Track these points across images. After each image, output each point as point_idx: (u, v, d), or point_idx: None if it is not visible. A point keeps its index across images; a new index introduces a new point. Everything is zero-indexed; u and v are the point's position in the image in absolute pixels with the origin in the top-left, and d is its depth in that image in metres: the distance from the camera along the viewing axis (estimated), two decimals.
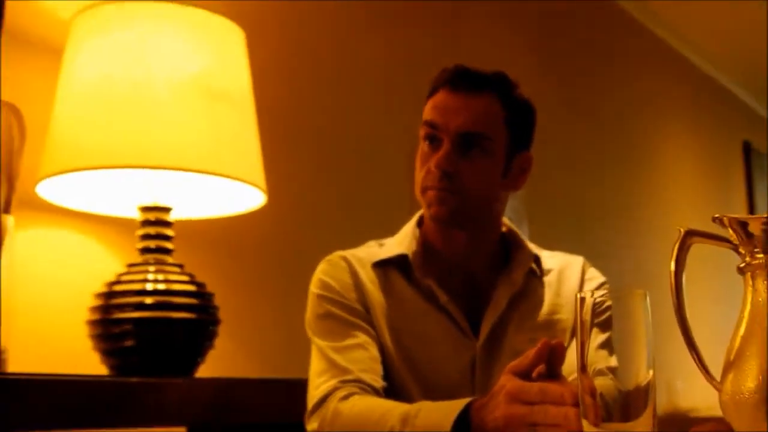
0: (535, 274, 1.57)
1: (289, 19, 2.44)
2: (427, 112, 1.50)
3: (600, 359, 0.97)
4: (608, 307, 0.99)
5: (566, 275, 1.58)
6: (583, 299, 0.94)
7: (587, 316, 0.94)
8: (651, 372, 0.90)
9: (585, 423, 0.92)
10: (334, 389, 1.40)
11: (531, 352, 1.17)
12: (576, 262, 1.61)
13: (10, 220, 1.56)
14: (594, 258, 1.65)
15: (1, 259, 1.53)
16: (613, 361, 0.96)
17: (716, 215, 0.93)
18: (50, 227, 1.87)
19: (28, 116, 1.61)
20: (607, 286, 1.58)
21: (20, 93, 1.72)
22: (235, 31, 1.83)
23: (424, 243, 1.55)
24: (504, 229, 1.60)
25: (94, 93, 1.68)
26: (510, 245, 1.59)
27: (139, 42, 1.70)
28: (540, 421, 1.11)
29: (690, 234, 0.97)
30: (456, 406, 1.23)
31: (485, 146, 1.47)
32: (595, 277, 1.59)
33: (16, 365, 1.56)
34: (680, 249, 0.97)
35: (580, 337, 0.94)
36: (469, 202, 1.47)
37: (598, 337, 0.99)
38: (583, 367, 0.93)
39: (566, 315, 1.53)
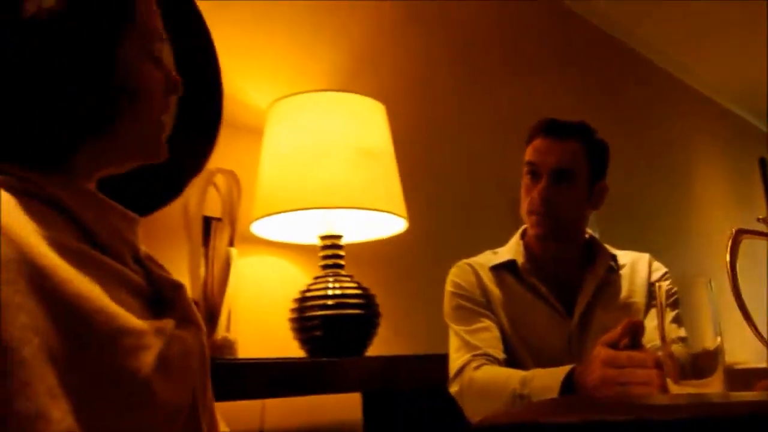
0: (613, 269, 1.54)
1: (416, 90, 2.46)
2: (528, 153, 1.50)
3: (672, 331, 0.95)
4: (675, 292, 0.97)
5: (637, 268, 1.55)
6: (659, 287, 0.92)
7: (663, 299, 0.92)
8: (719, 338, 0.87)
9: (669, 381, 0.90)
10: (469, 361, 1.41)
11: (618, 328, 1.15)
12: (643, 257, 1.57)
13: (233, 251, 1.61)
14: (651, 254, 1.62)
15: (230, 277, 1.60)
16: (683, 332, 0.94)
17: (760, 216, 0.90)
18: (260, 254, 1.93)
19: (241, 177, 1.66)
20: (668, 275, 1.55)
21: (235, 162, 1.79)
22: (378, 106, 1.86)
23: (527, 250, 1.54)
24: (587, 236, 1.58)
25: (286, 158, 1.72)
26: (592, 248, 1.56)
27: (315, 121, 1.75)
28: (630, 380, 1.08)
29: (740, 232, 0.94)
30: (562, 370, 1.23)
31: (573, 179, 1.46)
32: (659, 268, 1.56)
33: (242, 352, 1.60)
34: (734, 243, 0.95)
35: (659, 314, 0.92)
36: (562, 222, 1.47)
37: (669, 315, 0.97)
38: (662, 338, 0.91)
39: (639, 298, 1.49)
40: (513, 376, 1.31)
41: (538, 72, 3.07)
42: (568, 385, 1.21)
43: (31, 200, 0.68)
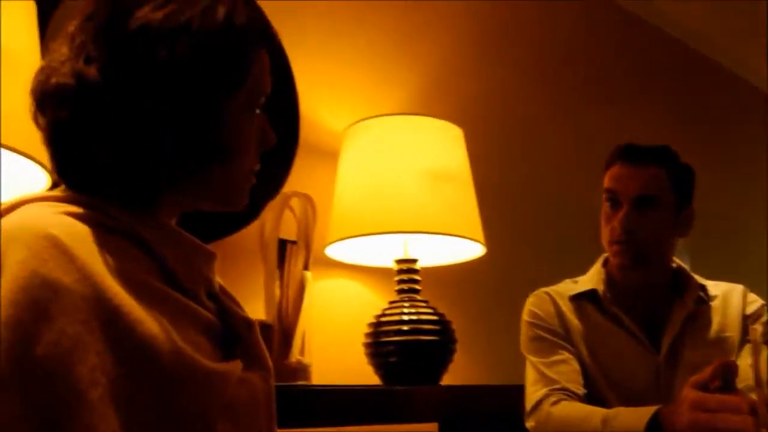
0: (703, 301, 1.46)
1: (493, 113, 2.43)
2: (607, 180, 1.44)
3: None
4: None
5: (730, 300, 1.46)
6: (754, 329, 0.86)
7: (757, 339, 0.86)
8: None
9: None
10: (546, 396, 1.35)
11: (708, 369, 1.07)
12: (737, 288, 1.49)
13: (308, 274, 1.61)
14: (747, 284, 1.53)
15: (304, 301, 1.60)
16: None
17: None
18: (335, 278, 1.93)
19: (317, 200, 1.67)
20: (765, 307, 1.45)
21: (310, 185, 1.80)
22: (455, 129, 1.84)
23: (609, 279, 1.48)
24: (674, 265, 1.51)
25: (362, 181, 1.72)
26: (680, 278, 1.48)
27: (391, 144, 1.74)
28: (722, 427, 1.02)
29: None
30: (647, 411, 1.16)
31: (656, 206, 1.39)
32: (755, 300, 1.47)
33: (316, 376, 1.59)
34: None
35: (754, 357, 0.86)
36: (646, 250, 1.40)
37: (765, 353, 0.91)
38: (757, 381, 0.85)
39: (732, 332, 1.41)
40: (594, 413, 1.26)
41: (621, 92, 2.98)
42: (654, 426, 1.14)
43: (112, 235, 0.69)
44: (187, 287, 0.75)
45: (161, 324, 0.66)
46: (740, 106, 3.90)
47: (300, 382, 1.53)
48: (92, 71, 0.71)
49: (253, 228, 1.70)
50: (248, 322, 0.84)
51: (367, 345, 1.70)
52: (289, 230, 1.65)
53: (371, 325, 1.71)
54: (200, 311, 0.75)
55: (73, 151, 0.74)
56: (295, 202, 1.67)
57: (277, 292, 1.58)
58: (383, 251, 1.83)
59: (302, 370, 1.54)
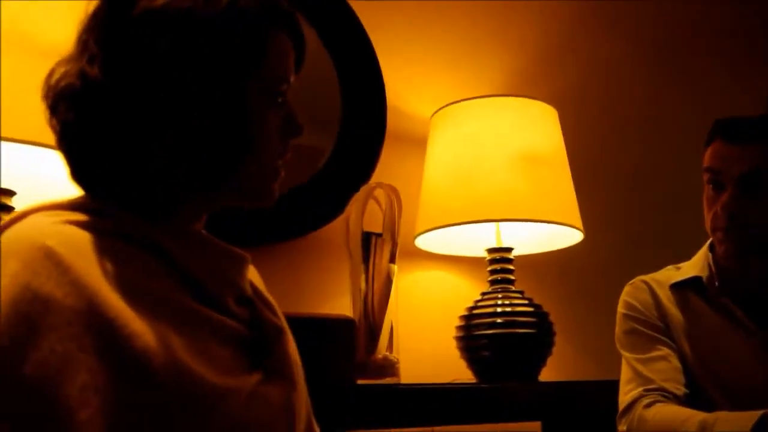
0: None
1: (593, 93, 2.32)
2: (708, 159, 1.31)
3: None
4: None
5: None
6: None
7: None
8: None
9: None
10: (640, 397, 1.26)
11: None
12: None
13: (394, 268, 1.58)
14: None
15: (391, 294, 1.58)
16: None
17: None
18: (425, 269, 1.90)
19: (401, 189, 1.63)
20: None
21: (397, 174, 1.79)
22: (549, 110, 1.76)
23: (717, 266, 1.36)
24: None
25: (451, 168, 1.68)
26: None
27: (480, 128, 1.69)
28: None
29: None
30: (753, 415, 1.06)
31: (764, 186, 1.26)
32: None
33: (405, 372, 1.56)
34: None
35: None
36: (757, 235, 1.27)
37: None
38: None
39: None
40: (691, 418, 1.15)
41: (732, 70, 2.75)
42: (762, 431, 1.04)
43: (121, 243, 0.68)
44: (211, 295, 0.73)
45: (162, 337, 0.64)
46: None
47: (388, 380, 1.50)
48: (95, 70, 0.70)
49: (339, 221, 1.70)
50: (278, 329, 0.81)
51: (458, 339, 1.66)
52: (375, 222, 1.63)
53: (463, 318, 1.66)
54: (223, 321, 0.73)
55: (83, 154, 0.73)
56: (379, 193, 1.64)
57: (363, 286, 1.56)
58: (475, 240, 1.79)
59: (390, 366, 1.51)
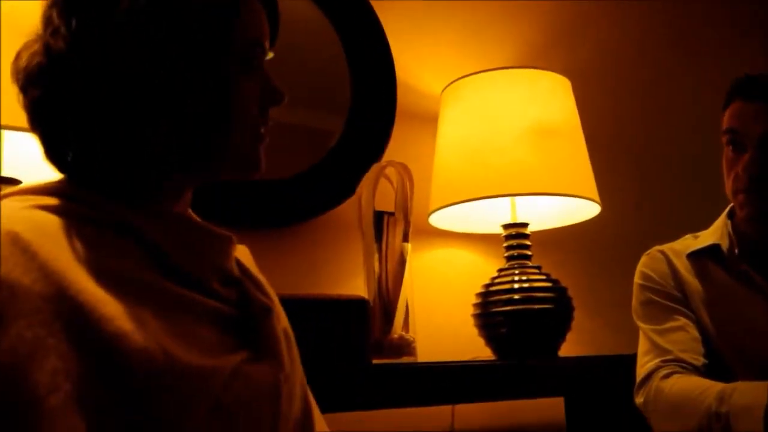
0: None
1: (610, 63, 2.29)
2: (727, 120, 1.28)
3: None
4: None
5: None
6: None
7: None
8: None
9: None
10: (657, 368, 1.24)
11: None
12: None
13: (408, 246, 1.57)
14: None
15: (405, 274, 1.57)
16: None
17: None
18: (440, 247, 1.89)
19: (413, 167, 1.63)
20: None
21: (409, 152, 1.78)
22: (561, 81, 1.73)
23: (736, 233, 1.33)
24: None
25: (463, 144, 1.66)
26: None
27: (492, 101, 1.66)
28: None
29: None
30: None
31: None
32: None
33: (422, 351, 1.55)
34: None
35: None
36: None
37: None
38: None
39: None
40: (710, 389, 1.13)
41: (748, 37, 2.69)
42: None
43: (93, 227, 0.66)
44: (193, 277, 0.71)
45: (137, 320, 0.62)
46: None
47: (404, 359, 1.50)
48: (59, 43, 0.68)
49: (351, 202, 1.70)
50: (265, 308, 0.79)
51: (476, 317, 1.65)
52: (387, 201, 1.62)
53: (480, 295, 1.65)
54: (206, 302, 0.71)
55: (52, 133, 0.71)
56: (391, 172, 1.63)
57: (377, 266, 1.56)
58: (489, 216, 1.77)
59: (406, 345, 1.51)
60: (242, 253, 0.85)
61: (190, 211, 0.81)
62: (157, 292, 0.67)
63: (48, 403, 0.56)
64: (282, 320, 0.83)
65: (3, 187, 1.14)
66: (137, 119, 0.69)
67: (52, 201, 0.66)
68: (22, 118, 1.05)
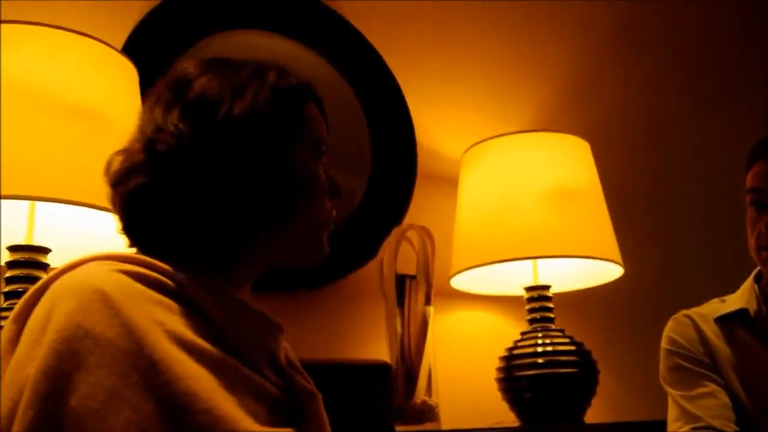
0: None
1: (629, 124, 2.30)
2: (750, 180, 1.28)
3: None
4: None
5: None
6: None
7: None
8: None
9: None
10: None
11: None
12: None
13: (430, 310, 1.57)
14: None
15: (428, 337, 1.57)
16: None
17: None
18: (462, 310, 1.88)
19: (434, 230, 1.64)
20: None
21: (428, 216, 1.80)
22: (580, 143, 1.75)
23: (764, 296, 1.32)
24: None
25: (484, 206, 1.67)
26: None
27: (512, 164, 1.68)
28: None
29: None
30: None
31: None
32: None
33: (445, 416, 1.54)
34: None
35: None
36: None
37: None
38: None
39: None
40: None
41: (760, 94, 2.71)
42: None
43: (169, 298, 0.71)
44: (247, 358, 0.75)
45: (204, 381, 0.66)
46: None
47: (427, 425, 1.49)
48: (163, 142, 0.76)
49: (372, 265, 1.70)
50: (311, 394, 0.83)
51: (499, 381, 1.63)
52: (409, 265, 1.62)
53: (503, 359, 1.64)
54: (257, 380, 0.75)
55: (145, 216, 0.79)
56: (412, 235, 1.64)
57: (399, 329, 1.56)
58: (511, 278, 1.76)
59: (429, 411, 1.50)
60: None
61: (248, 298, 0.85)
62: (219, 362, 0.70)
63: None
64: (322, 405, 0.86)
65: (35, 255, 1.18)
66: (219, 206, 0.77)
67: (133, 268, 0.71)
68: (51, 189, 1.09)
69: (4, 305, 1.16)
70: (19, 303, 0.70)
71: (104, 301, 0.65)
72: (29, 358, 0.63)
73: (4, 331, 0.69)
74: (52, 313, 0.65)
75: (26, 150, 1.09)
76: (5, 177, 1.06)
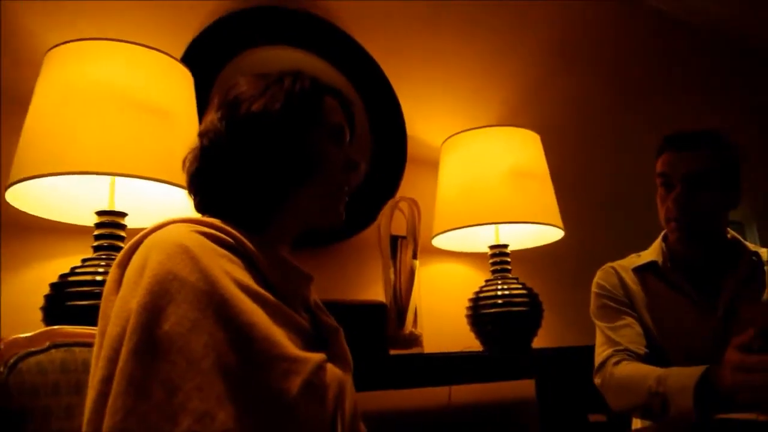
0: (758, 265, 1.27)
1: (565, 120, 2.30)
2: (659, 166, 1.29)
3: None
4: None
5: None
6: None
7: None
8: None
9: None
10: (610, 356, 1.23)
11: (750, 330, 0.94)
12: None
13: (416, 263, 1.59)
14: None
15: (414, 283, 1.58)
16: None
17: None
18: (441, 263, 1.89)
19: (420, 201, 1.65)
20: None
21: (416, 191, 1.80)
22: (533, 135, 1.75)
23: (669, 252, 1.34)
24: (729, 236, 1.33)
25: (459, 184, 1.68)
26: (734, 247, 1.31)
27: (481, 152, 1.69)
28: (758, 384, 0.89)
29: None
30: (697, 370, 1.03)
31: (706, 183, 1.23)
32: None
33: (428, 343, 1.57)
34: None
35: None
36: (701, 224, 1.24)
37: None
38: None
39: None
40: (650, 373, 1.13)
41: (683, 93, 2.72)
42: (704, 384, 1.02)
43: (230, 251, 0.73)
44: (286, 300, 0.76)
45: (261, 316, 0.68)
46: None
47: (414, 350, 1.51)
48: (207, 136, 0.79)
49: (372, 228, 1.72)
50: (335, 329, 0.84)
51: (468, 317, 1.66)
52: (400, 228, 1.64)
53: (471, 300, 1.66)
54: (295, 316, 0.76)
55: (201, 191, 0.80)
56: (403, 205, 1.65)
57: (392, 277, 1.57)
58: (479, 239, 1.78)
59: (415, 339, 1.52)
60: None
61: (288, 255, 0.86)
62: (270, 303, 0.72)
63: (201, 365, 0.62)
64: (343, 337, 0.87)
65: (116, 218, 1.19)
66: (251, 177, 0.78)
67: (205, 229, 0.72)
68: (127, 167, 1.09)
69: (94, 256, 1.17)
70: (121, 253, 0.72)
71: (186, 253, 0.66)
72: (131, 296, 0.65)
73: (111, 273, 0.71)
74: (147, 262, 0.66)
75: (108, 137, 1.10)
76: (93, 157, 1.07)
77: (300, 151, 0.79)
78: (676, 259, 1.32)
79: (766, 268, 1.28)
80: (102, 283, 1.07)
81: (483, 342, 1.64)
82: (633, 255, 1.42)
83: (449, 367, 1.49)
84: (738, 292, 1.25)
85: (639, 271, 1.35)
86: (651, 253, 1.37)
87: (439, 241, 1.75)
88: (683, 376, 1.06)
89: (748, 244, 1.31)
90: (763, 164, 2.88)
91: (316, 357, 0.72)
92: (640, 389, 1.12)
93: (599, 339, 1.32)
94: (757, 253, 1.29)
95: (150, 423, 0.58)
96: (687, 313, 1.27)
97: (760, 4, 2.87)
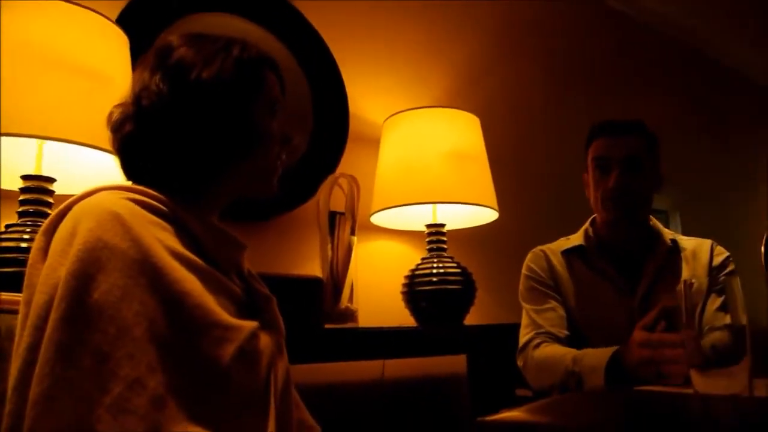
0: (674, 251, 1.36)
1: (503, 104, 2.35)
2: (594, 151, 1.35)
3: (718, 318, 0.83)
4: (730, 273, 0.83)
5: (699, 252, 1.36)
6: (690, 285, 0.80)
7: (689, 301, 0.80)
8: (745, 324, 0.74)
9: (693, 371, 0.78)
10: (532, 338, 1.29)
11: (653, 312, 1.02)
12: (706, 242, 1.37)
13: (354, 239, 1.60)
14: (730, 243, 1.43)
15: (351, 259, 1.59)
16: (728, 319, 0.81)
17: None
18: (378, 240, 1.91)
19: (360, 178, 1.65)
20: (731, 258, 1.35)
21: (356, 166, 1.80)
22: (473, 118, 1.78)
23: (596, 236, 1.40)
24: (651, 222, 1.41)
25: (398, 162, 1.69)
26: (654, 233, 1.38)
27: (421, 132, 1.70)
28: (659, 359, 0.96)
29: None
30: (608, 351, 1.10)
31: (640, 167, 1.30)
32: (721, 252, 1.35)
33: (363, 320, 1.59)
34: None
35: (684, 310, 0.79)
36: (634, 204, 1.31)
37: (716, 301, 0.84)
38: (688, 322, 0.79)
39: (701, 280, 1.31)
40: (567, 354, 1.19)
41: (618, 85, 2.83)
42: (614, 363, 1.08)
43: (162, 219, 0.72)
44: (220, 266, 0.76)
45: (194, 284, 0.68)
46: (734, 97, 3.66)
47: (349, 324, 1.53)
48: (147, 98, 0.76)
49: (311, 204, 1.72)
50: (267, 297, 0.85)
51: (404, 294, 1.68)
52: (338, 204, 1.64)
53: (407, 277, 1.69)
54: (228, 283, 0.76)
55: (135, 156, 0.78)
56: (342, 182, 1.66)
57: (330, 253, 1.58)
58: (416, 218, 1.81)
59: (350, 314, 1.54)
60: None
61: (217, 223, 0.85)
62: (203, 270, 0.72)
63: (132, 333, 0.61)
64: (276, 305, 0.88)
65: (43, 183, 1.14)
66: (195, 146, 0.76)
67: (136, 196, 0.71)
68: (56, 130, 1.05)
69: (18, 222, 1.12)
70: (47, 220, 0.70)
71: (117, 220, 0.65)
72: (59, 264, 0.64)
73: (36, 241, 0.69)
74: (77, 229, 0.65)
75: (36, 98, 1.05)
76: (20, 118, 1.03)
77: (246, 124, 0.79)
78: (601, 243, 1.38)
79: (682, 254, 1.36)
80: (27, 250, 1.03)
81: (417, 318, 1.67)
82: (563, 238, 1.47)
83: (383, 341, 1.50)
84: (656, 278, 1.32)
85: (567, 254, 1.40)
86: (579, 237, 1.42)
87: (378, 219, 1.77)
88: (596, 356, 1.12)
89: (666, 230, 1.39)
90: (692, 157, 3.05)
91: (250, 324, 0.73)
92: (557, 369, 1.17)
93: (524, 320, 1.36)
94: (674, 240, 1.37)
95: (79, 390, 0.58)
96: (608, 296, 1.33)
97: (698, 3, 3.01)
